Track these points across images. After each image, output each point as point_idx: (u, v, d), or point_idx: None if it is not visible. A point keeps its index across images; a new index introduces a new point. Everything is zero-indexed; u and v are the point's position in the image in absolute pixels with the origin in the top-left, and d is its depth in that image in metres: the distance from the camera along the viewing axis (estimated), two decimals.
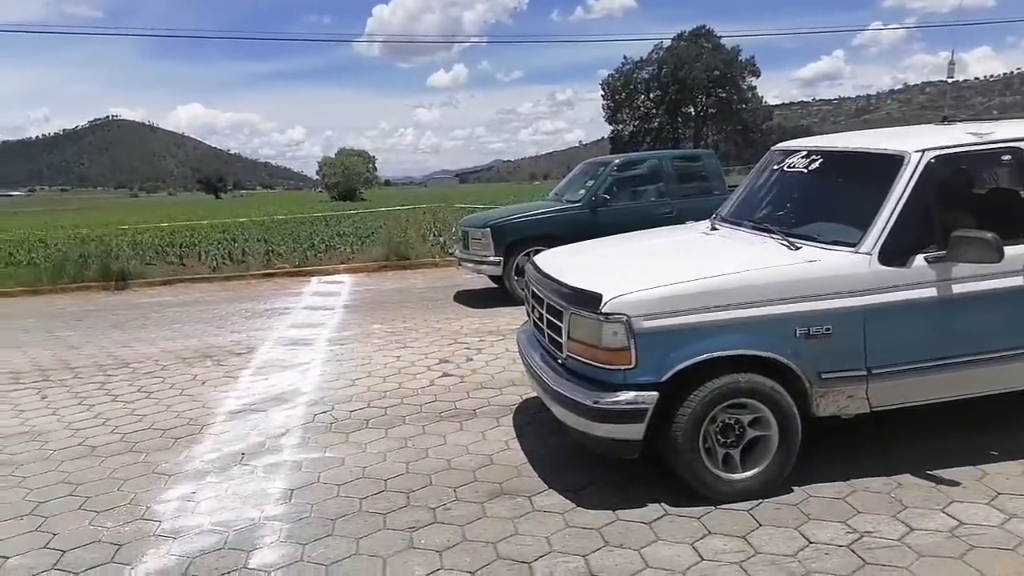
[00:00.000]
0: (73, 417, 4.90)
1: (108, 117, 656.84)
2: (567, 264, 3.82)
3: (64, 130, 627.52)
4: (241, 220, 24.04)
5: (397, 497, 3.43)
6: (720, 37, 74.88)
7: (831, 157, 3.88)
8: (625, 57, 77.33)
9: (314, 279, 11.48)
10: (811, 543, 2.83)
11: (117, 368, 6.20)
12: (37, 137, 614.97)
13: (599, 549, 2.86)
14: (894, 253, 3.14)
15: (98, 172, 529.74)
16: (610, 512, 3.15)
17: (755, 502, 3.15)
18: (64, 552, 3.04)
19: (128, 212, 44.68)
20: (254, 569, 2.84)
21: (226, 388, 5.43)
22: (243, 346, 6.83)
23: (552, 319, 3.46)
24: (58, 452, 4.24)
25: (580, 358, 3.19)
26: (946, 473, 3.32)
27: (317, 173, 63.44)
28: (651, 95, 77.00)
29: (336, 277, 11.63)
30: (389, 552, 2.92)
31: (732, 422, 3.17)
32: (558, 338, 3.36)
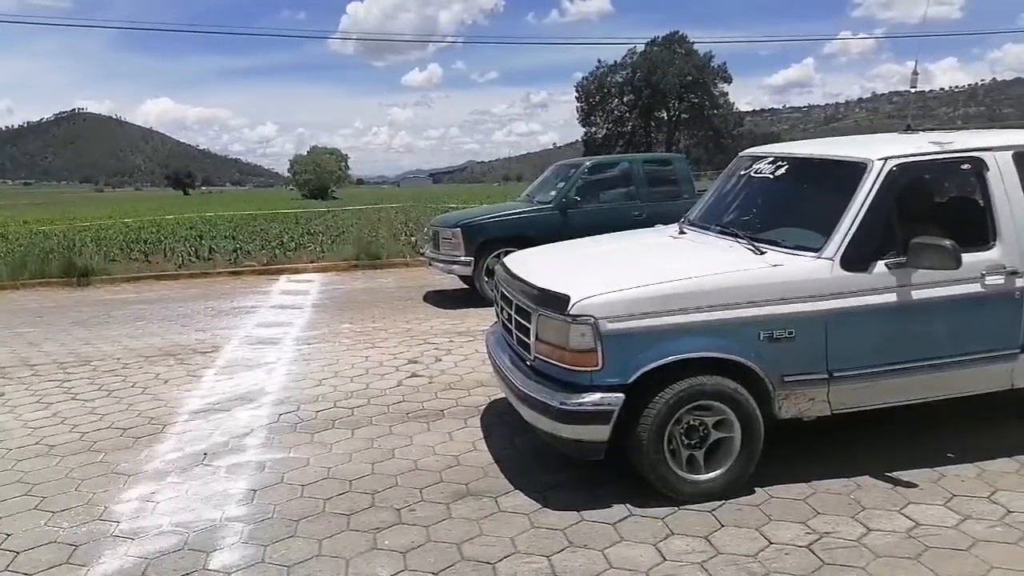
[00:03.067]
0: (31, 416, 4.78)
1: (74, 110, 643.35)
2: (536, 265, 3.83)
3: (28, 122, 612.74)
4: (208, 215, 23.67)
5: (362, 498, 3.40)
6: (693, 43, 75.73)
7: (797, 163, 3.94)
8: (599, 61, 77.84)
9: (283, 278, 11.35)
10: (772, 543, 2.87)
11: (78, 366, 6.06)
12: (0, 129, 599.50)
13: (563, 550, 2.87)
14: (856, 259, 3.20)
15: (63, 166, 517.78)
16: (575, 513, 3.16)
17: (718, 503, 3.18)
18: (18, 553, 2.97)
19: (93, 207, 43.74)
20: (215, 571, 2.79)
21: (189, 387, 5.34)
22: (208, 345, 6.72)
23: (520, 320, 3.46)
24: (14, 451, 4.14)
25: (548, 359, 3.20)
26: (904, 475, 3.40)
27: (288, 171, 62.88)
28: (624, 99, 77.54)
29: (305, 276, 11.51)
30: (353, 553, 2.89)
31: (696, 424, 3.20)
32: (526, 339, 3.36)
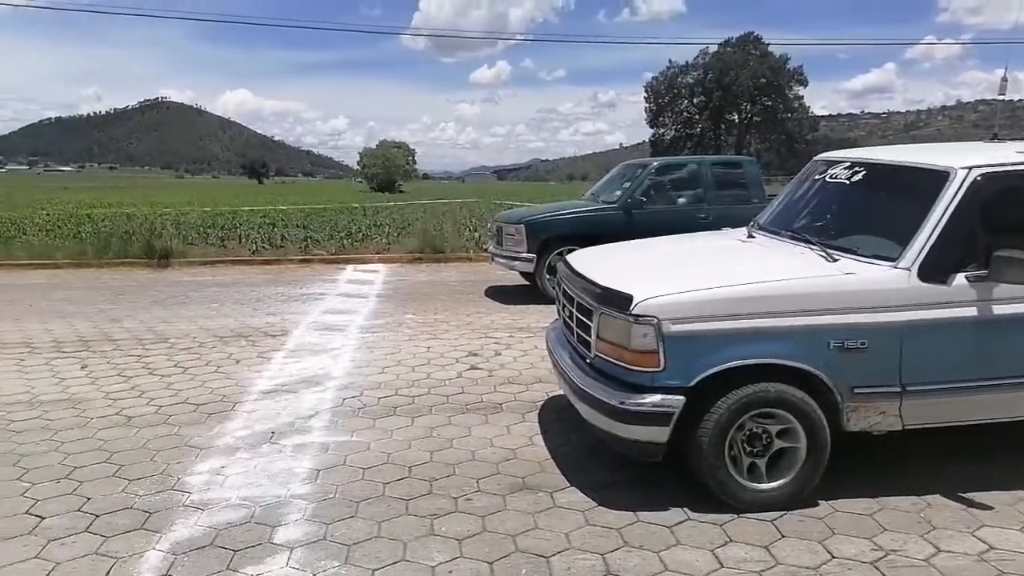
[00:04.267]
0: (112, 388, 5.04)
1: (158, 98, 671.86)
2: (600, 264, 3.83)
3: (115, 109, 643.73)
4: (281, 207, 24.45)
5: (420, 484, 3.47)
6: (768, 44, 73.80)
7: (875, 169, 3.82)
8: (670, 61, 76.68)
9: (350, 267, 11.62)
10: (834, 557, 2.80)
11: (156, 343, 6.36)
12: (89, 115, 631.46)
13: (618, 549, 2.87)
14: (934, 270, 3.08)
15: (146, 152, 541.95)
16: (631, 513, 3.15)
17: (779, 513, 3.12)
18: (97, 516, 3.14)
19: (173, 192, 45.65)
20: (278, 544, 2.90)
21: (259, 368, 5.54)
22: (278, 328, 6.95)
23: (582, 318, 3.47)
24: (95, 420, 4.38)
25: (608, 358, 3.19)
26: (979, 496, 3.26)
27: (358, 163, 64.14)
28: (695, 100, 76.23)
29: (371, 266, 11.76)
30: (410, 537, 2.96)
31: (759, 431, 3.15)
32: (587, 337, 3.37)
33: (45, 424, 4.30)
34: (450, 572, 2.71)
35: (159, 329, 6.92)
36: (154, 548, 2.87)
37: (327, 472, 3.62)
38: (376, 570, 2.72)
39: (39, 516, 3.14)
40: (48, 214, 20.37)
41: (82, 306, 8.14)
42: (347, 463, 3.73)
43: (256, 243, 13.59)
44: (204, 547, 2.88)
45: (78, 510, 3.20)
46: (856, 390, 3.10)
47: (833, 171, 4.02)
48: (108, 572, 2.70)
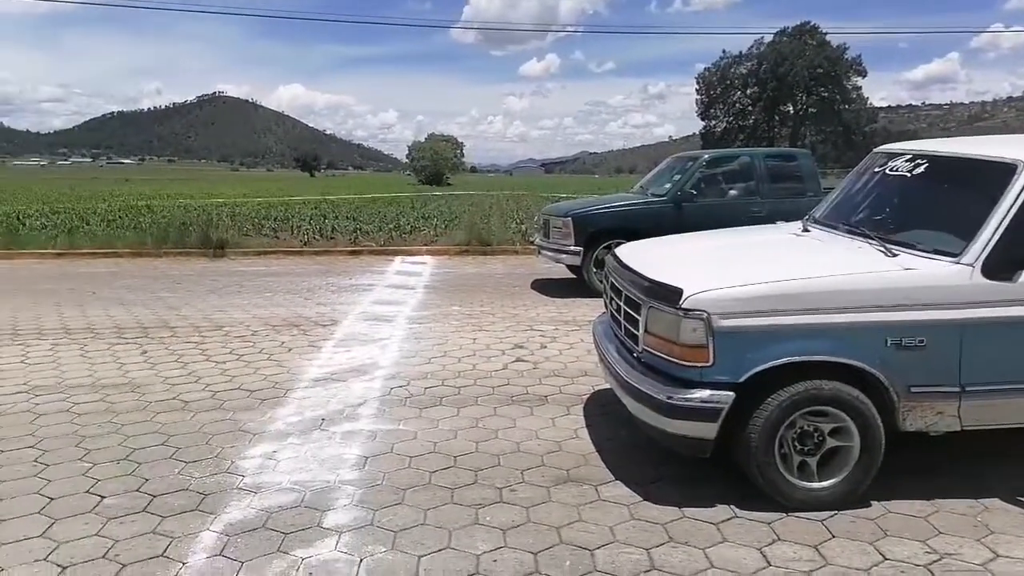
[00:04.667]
0: (169, 373, 5.21)
1: (215, 93, 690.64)
2: (649, 257, 3.79)
3: (174, 103, 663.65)
4: (331, 197, 24.87)
5: (465, 474, 3.50)
6: (825, 34, 71.81)
7: (938, 162, 3.68)
8: (724, 51, 75.29)
9: (398, 259, 11.76)
10: (886, 559, 2.72)
11: (211, 330, 6.55)
12: (149, 109, 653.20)
13: (663, 544, 2.85)
14: (999, 266, 2.96)
15: (203, 145, 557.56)
16: (676, 509, 3.12)
17: (830, 513, 3.05)
18: (154, 497, 3.25)
19: (229, 185, 46.85)
20: (327, 528, 2.96)
21: (310, 356, 5.66)
22: (328, 318, 7.09)
23: (630, 311, 3.44)
24: (154, 404, 4.53)
25: (656, 352, 3.16)
26: None
27: (407, 156, 64.81)
28: (748, 91, 74.72)
29: (419, 258, 11.88)
30: (455, 525, 2.99)
31: (811, 429, 3.07)
32: (635, 331, 3.33)
33: (107, 407, 4.47)
34: (494, 561, 2.73)
35: (215, 317, 7.12)
36: (208, 529, 2.96)
37: (375, 459, 3.68)
38: (422, 556, 2.75)
39: (100, 495, 3.26)
40: (109, 206, 21.12)
41: (142, 294, 8.43)
42: (394, 451, 3.79)
43: (307, 234, 13.86)
44: (256, 529, 2.96)
45: (136, 490, 3.31)
46: (913, 389, 3.00)
47: (894, 163, 3.89)
48: (164, 551, 2.79)
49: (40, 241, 12.63)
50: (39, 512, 3.09)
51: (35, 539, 2.87)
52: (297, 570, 2.66)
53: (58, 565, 2.68)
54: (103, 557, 2.74)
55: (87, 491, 3.30)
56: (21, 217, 16.23)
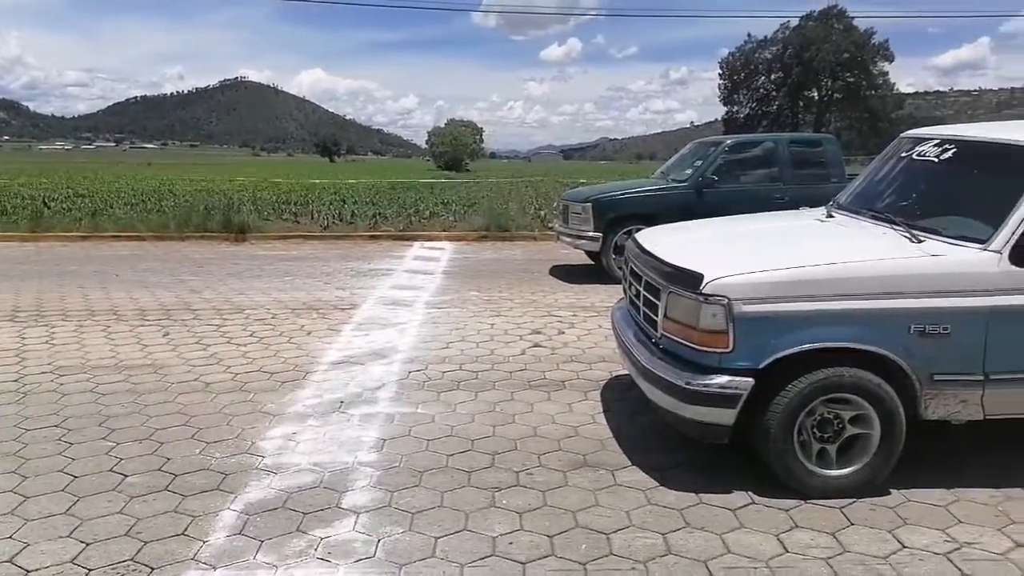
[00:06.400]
0: (191, 355, 5.28)
1: (236, 78, 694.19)
2: (669, 242, 3.76)
3: (196, 88, 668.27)
4: (351, 181, 24.96)
5: (482, 457, 3.52)
6: (852, 18, 70.43)
7: (966, 147, 3.60)
8: (749, 35, 74.16)
9: (417, 244, 11.78)
10: (905, 547, 2.70)
11: (232, 313, 6.62)
12: (171, 94, 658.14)
13: (679, 529, 2.84)
14: None
15: (225, 130, 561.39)
16: (693, 495, 3.11)
17: (848, 501, 3.03)
18: (176, 476, 3.30)
19: (251, 169, 47.15)
20: (346, 509, 2.99)
21: (329, 340, 5.70)
22: (347, 302, 7.13)
23: (649, 297, 3.42)
24: (176, 385, 4.59)
25: (675, 338, 3.14)
26: None
27: (426, 142, 64.77)
28: (772, 76, 73.64)
29: (438, 244, 11.89)
30: (472, 508, 3.01)
31: (831, 416, 3.04)
32: (654, 316, 3.32)
33: (130, 387, 4.53)
34: (510, 543, 2.74)
35: (236, 300, 7.19)
36: (229, 508, 3.00)
37: (392, 442, 3.70)
38: (439, 538, 2.77)
39: (122, 474, 3.32)
40: (132, 189, 21.35)
41: (164, 277, 8.53)
42: (412, 434, 3.81)
43: (327, 219, 13.92)
44: (275, 509, 2.99)
45: (159, 469, 3.36)
46: (936, 377, 2.96)
47: (921, 148, 3.82)
48: (185, 529, 2.83)
49: (65, 224, 12.80)
50: (63, 490, 3.15)
51: (59, 516, 2.92)
52: (315, 549, 2.69)
53: (81, 542, 2.73)
54: (125, 535, 2.79)
55: (110, 470, 3.36)
56: (47, 200, 16.45)
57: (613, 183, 11.04)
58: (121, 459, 3.48)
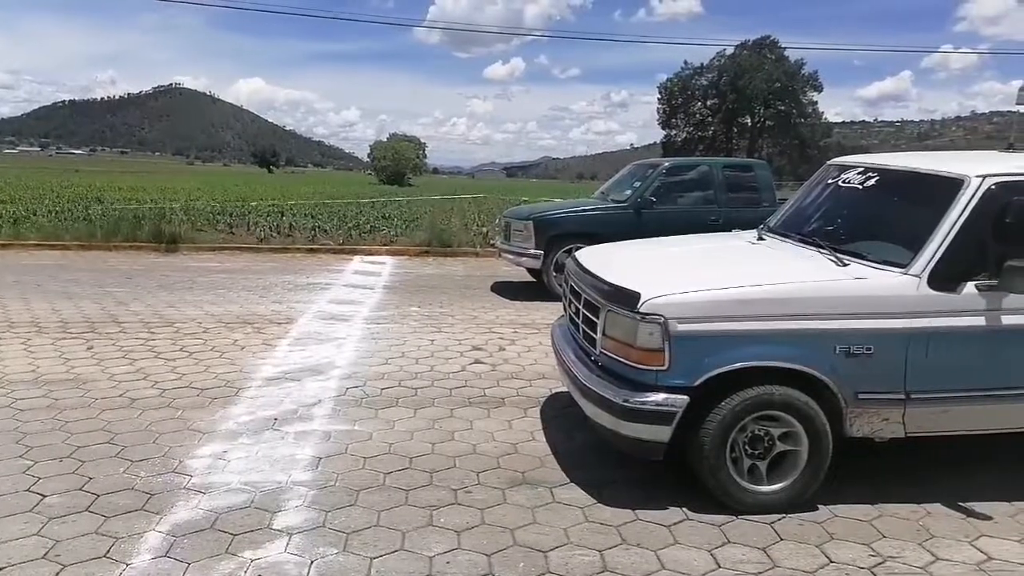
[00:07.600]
0: (116, 369, 5.06)
1: (171, 84, 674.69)
2: (608, 261, 3.82)
3: (128, 94, 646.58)
4: (291, 202, 24.51)
5: (420, 475, 3.48)
6: (785, 48, 73.42)
7: (888, 175, 3.79)
8: (686, 62, 76.35)
9: (356, 258, 11.63)
10: (832, 562, 2.79)
11: (162, 326, 6.39)
12: (102, 99, 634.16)
13: (616, 546, 2.87)
14: (944, 277, 3.06)
15: (157, 138, 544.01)
16: (630, 511, 3.15)
17: (778, 516, 3.12)
18: (98, 496, 3.15)
19: (184, 179, 45.78)
20: (278, 530, 2.91)
21: (264, 355, 5.56)
22: (283, 316, 6.97)
23: (588, 315, 3.46)
24: (100, 401, 4.39)
25: (613, 356, 3.19)
26: (978, 506, 3.24)
27: (368, 156, 64.28)
28: (708, 102, 75.95)
29: (378, 258, 11.77)
30: (409, 527, 2.97)
31: (762, 433, 3.14)
32: (593, 334, 3.36)
33: (49, 403, 4.32)
34: (447, 563, 2.71)
35: (165, 313, 6.94)
36: (154, 529, 2.88)
37: (328, 460, 3.63)
38: (374, 559, 2.72)
39: (41, 494, 3.15)
40: (57, 196, 20.45)
41: (89, 288, 8.17)
42: (348, 452, 3.74)
43: (264, 231, 13.62)
44: (203, 530, 2.89)
45: (80, 489, 3.21)
46: (860, 396, 3.09)
47: (846, 176, 4.00)
48: (108, 551, 2.71)
49: None
50: None
51: None
52: (245, 571, 2.61)
53: None
54: (43, 557, 2.66)
55: (27, 489, 3.19)
56: None
57: (554, 202, 11.16)
58: (39, 478, 3.30)
